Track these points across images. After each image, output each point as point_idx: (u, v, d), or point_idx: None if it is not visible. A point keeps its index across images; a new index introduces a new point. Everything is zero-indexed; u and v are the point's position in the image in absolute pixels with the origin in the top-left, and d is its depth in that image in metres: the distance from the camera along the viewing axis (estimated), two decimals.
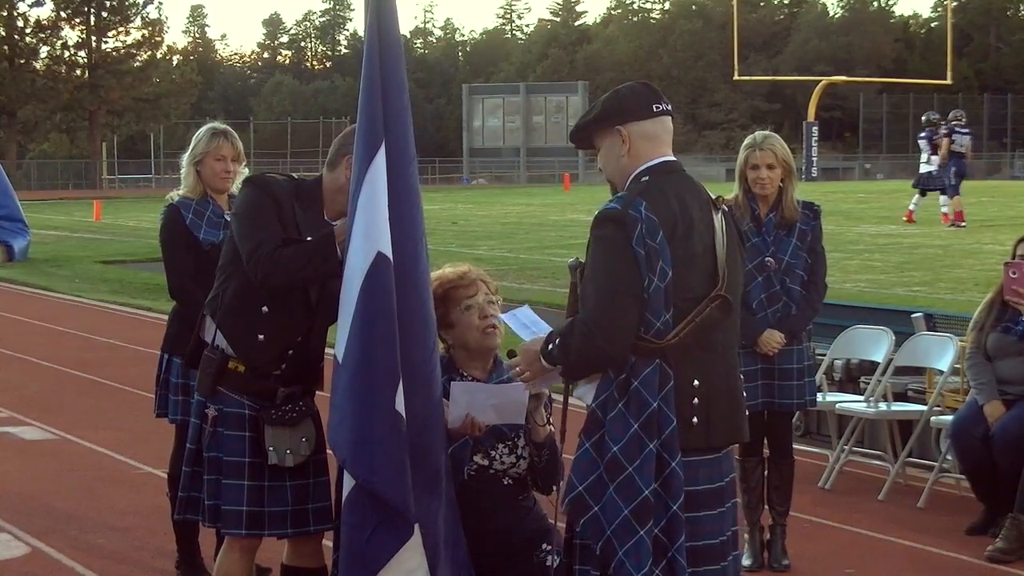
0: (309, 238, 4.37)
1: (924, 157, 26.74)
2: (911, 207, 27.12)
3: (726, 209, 3.75)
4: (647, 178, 3.66)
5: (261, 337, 4.43)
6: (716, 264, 3.64)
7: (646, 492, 3.51)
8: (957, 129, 26.26)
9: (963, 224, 25.57)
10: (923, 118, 27.67)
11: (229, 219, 4.74)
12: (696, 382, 3.59)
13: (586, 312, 3.58)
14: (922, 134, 26.86)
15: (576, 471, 3.63)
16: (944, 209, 26.41)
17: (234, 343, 4.44)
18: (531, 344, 3.79)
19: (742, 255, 3.84)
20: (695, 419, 3.59)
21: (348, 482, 4.10)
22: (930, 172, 26.41)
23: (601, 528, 3.55)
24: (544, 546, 4.35)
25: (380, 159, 4.09)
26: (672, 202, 3.61)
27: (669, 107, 3.78)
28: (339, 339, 4.13)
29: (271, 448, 4.41)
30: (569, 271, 3.76)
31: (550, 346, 3.67)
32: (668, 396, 3.54)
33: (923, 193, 26.88)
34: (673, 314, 3.55)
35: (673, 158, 3.75)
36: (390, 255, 4.06)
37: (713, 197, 3.75)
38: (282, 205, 4.38)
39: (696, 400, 3.59)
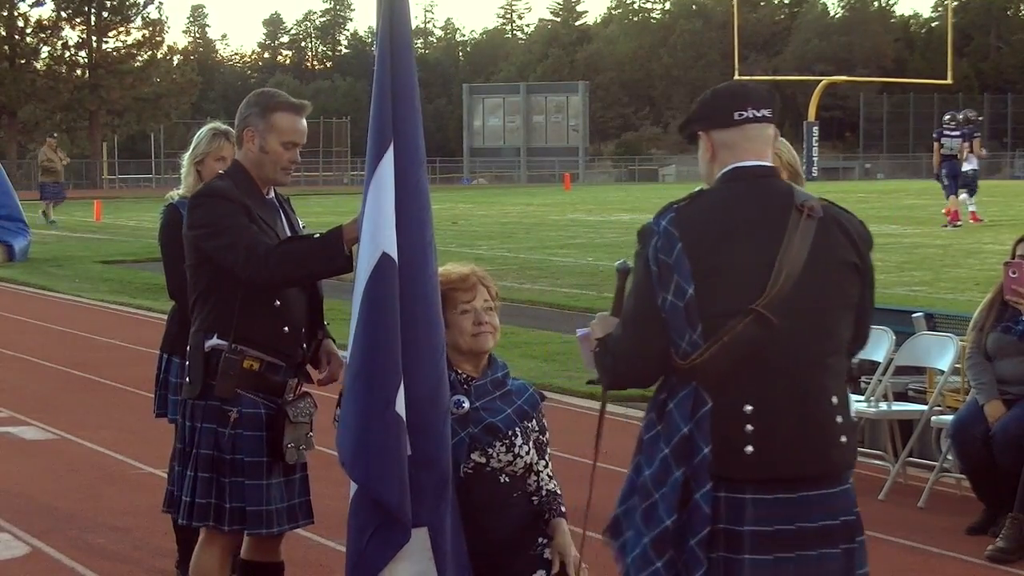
0: (300, 233, 4.41)
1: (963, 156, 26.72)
2: (971, 209, 27.14)
3: (819, 215, 3.36)
4: (715, 184, 3.46)
5: (286, 329, 4.51)
6: (768, 275, 3.28)
7: (667, 522, 3.29)
8: (946, 132, 26.34)
9: (959, 224, 25.75)
10: (960, 117, 27.19)
11: (189, 238, 4.61)
12: (748, 408, 3.28)
13: (614, 335, 3.44)
14: (955, 133, 26.54)
15: (621, 493, 3.48)
16: (971, 208, 26.82)
17: (265, 346, 4.48)
18: (605, 323, 3.54)
19: (834, 266, 3.38)
20: (749, 448, 3.27)
21: (353, 484, 4.11)
22: (965, 171, 26.50)
23: (624, 555, 3.40)
24: (540, 540, 4.34)
25: (388, 160, 4.07)
26: (715, 209, 3.37)
27: (764, 112, 3.45)
28: (350, 341, 4.14)
29: (290, 445, 4.45)
30: (616, 274, 3.59)
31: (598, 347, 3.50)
32: (702, 422, 3.27)
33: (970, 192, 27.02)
34: (702, 332, 3.27)
35: (753, 163, 3.43)
36: (395, 256, 4.04)
37: (799, 203, 3.37)
38: (244, 203, 4.43)
39: (750, 427, 3.27)
